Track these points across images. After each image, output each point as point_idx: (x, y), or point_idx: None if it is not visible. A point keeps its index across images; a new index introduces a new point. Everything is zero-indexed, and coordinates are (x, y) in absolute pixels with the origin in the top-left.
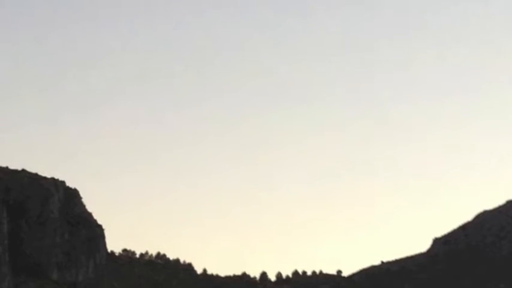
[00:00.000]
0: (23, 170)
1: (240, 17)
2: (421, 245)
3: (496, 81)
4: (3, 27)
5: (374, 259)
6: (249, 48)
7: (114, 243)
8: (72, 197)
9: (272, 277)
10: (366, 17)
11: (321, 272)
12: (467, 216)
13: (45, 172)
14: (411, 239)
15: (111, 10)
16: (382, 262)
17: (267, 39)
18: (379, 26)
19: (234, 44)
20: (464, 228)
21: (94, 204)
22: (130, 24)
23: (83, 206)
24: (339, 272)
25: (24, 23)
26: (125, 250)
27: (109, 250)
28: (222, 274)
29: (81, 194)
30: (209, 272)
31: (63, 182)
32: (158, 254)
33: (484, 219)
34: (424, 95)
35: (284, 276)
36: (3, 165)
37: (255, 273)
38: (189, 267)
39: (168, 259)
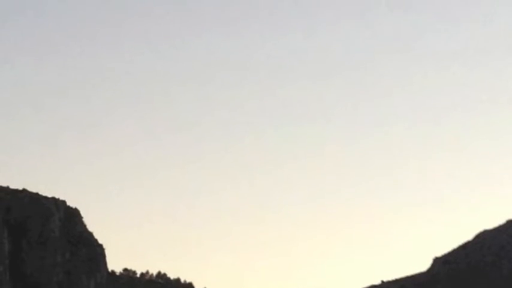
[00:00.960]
0: (24, 190)
1: (240, 36)
2: (421, 264)
3: (496, 103)
4: (2, 48)
5: (374, 278)
6: (249, 67)
7: (115, 263)
8: (72, 216)
9: None
10: (367, 38)
11: None
12: (468, 235)
13: (46, 192)
14: (411, 258)
15: (110, 30)
16: (382, 281)
17: (267, 59)
18: (381, 47)
19: (234, 63)
20: (464, 248)
21: (95, 223)
22: (129, 44)
23: (83, 225)
24: None
25: (23, 43)
26: (125, 269)
27: (110, 269)
28: None
29: (82, 213)
30: None
31: (63, 202)
32: (159, 273)
33: (485, 238)
34: (424, 116)
35: None
36: (4, 184)
37: None
38: (189, 286)
39: (169, 278)
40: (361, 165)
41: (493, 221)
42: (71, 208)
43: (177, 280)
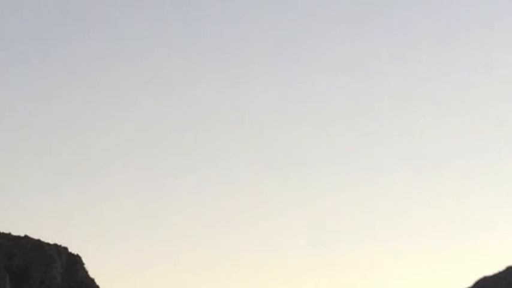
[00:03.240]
0: (26, 236)
1: (240, 84)
2: None
3: (497, 149)
4: (3, 94)
5: None
6: (248, 114)
7: None
8: (74, 262)
9: None
10: (366, 85)
11: None
12: (467, 282)
13: (48, 238)
14: None
15: (112, 78)
16: None
17: (266, 107)
18: (380, 94)
19: (234, 111)
20: None
21: (96, 269)
22: (130, 92)
23: (85, 271)
24: None
25: (24, 90)
26: None
27: None
28: None
29: (84, 259)
30: None
31: (65, 248)
32: None
33: (484, 285)
34: (425, 162)
35: None
36: (6, 231)
37: None
38: None
39: None
40: (362, 211)
41: (493, 267)
42: (73, 254)
43: None
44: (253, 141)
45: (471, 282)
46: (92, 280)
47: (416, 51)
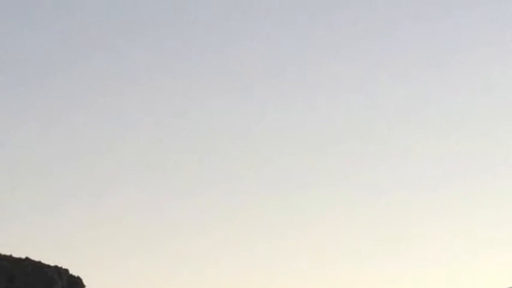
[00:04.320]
0: (27, 258)
1: (242, 107)
2: None
3: (497, 173)
4: (4, 117)
5: None
6: (250, 138)
7: None
8: (75, 284)
9: None
10: (366, 107)
11: None
12: None
13: (49, 260)
14: None
15: (113, 100)
16: None
17: (267, 129)
18: (380, 116)
19: (235, 134)
20: None
21: None
22: (131, 115)
23: None
24: None
25: (25, 113)
26: None
27: None
28: None
29: (85, 281)
30: None
31: (66, 270)
32: None
33: None
34: (426, 185)
35: None
36: (7, 253)
37: None
38: None
39: None
40: (362, 234)
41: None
42: (74, 276)
43: None
44: (254, 163)
45: None
46: None
47: (416, 73)
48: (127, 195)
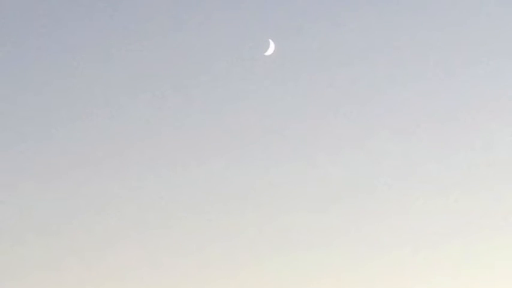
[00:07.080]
0: None
1: (242, 164)
2: None
3: (496, 231)
4: (4, 173)
5: None
6: (250, 194)
7: None
8: None
9: None
10: (366, 164)
11: None
12: None
13: None
14: None
15: (113, 158)
16: None
17: (268, 186)
18: (380, 173)
19: (235, 190)
20: None
21: None
22: (132, 172)
23: None
24: None
25: (25, 168)
26: None
27: None
28: None
29: None
30: None
31: None
32: None
33: None
34: (426, 241)
35: None
36: None
37: None
38: None
39: None
40: None
41: None
42: None
43: None
44: (254, 221)
45: None
46: None
47: (416, 131)
48: (128, 252)
